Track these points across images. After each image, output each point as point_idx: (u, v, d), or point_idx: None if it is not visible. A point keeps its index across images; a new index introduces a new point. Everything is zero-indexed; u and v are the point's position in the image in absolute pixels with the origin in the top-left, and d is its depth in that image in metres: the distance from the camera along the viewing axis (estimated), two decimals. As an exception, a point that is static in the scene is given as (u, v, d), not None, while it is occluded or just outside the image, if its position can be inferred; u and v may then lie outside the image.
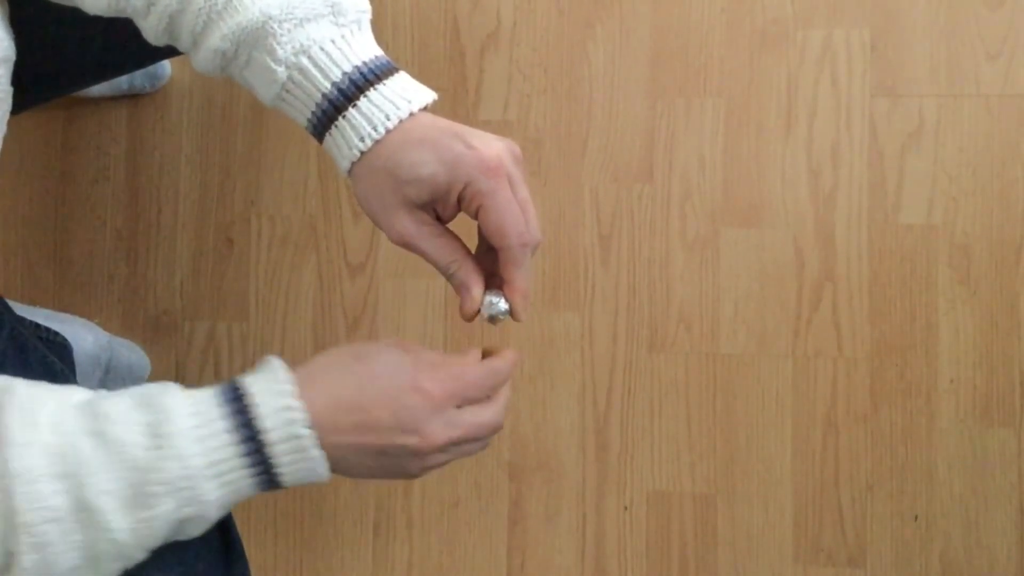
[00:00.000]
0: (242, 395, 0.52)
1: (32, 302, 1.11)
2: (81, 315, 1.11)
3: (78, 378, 0.79)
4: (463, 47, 1.09)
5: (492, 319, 0.60)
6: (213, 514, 0.52)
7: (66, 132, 1.14)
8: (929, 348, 1.01)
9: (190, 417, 0.50)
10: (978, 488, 1.00)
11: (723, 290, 1.04)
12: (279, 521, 1.09)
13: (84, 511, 0.47)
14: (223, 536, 0.61)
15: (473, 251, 0.61)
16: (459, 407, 0.55)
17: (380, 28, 1.08)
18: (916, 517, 1.01)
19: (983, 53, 1.02)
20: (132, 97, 1.13)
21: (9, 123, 0.64)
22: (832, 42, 1.04)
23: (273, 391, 0.52)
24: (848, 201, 1.03)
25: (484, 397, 0.57)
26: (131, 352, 1.09)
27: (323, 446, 0.52)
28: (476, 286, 0.59)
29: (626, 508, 1.04)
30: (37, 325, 0.92)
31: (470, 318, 0.60)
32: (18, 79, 0.62)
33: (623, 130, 1.07)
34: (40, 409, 0.49)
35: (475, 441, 0.57)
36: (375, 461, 0.54)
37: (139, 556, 0.50)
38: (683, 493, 1.04)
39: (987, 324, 1.01)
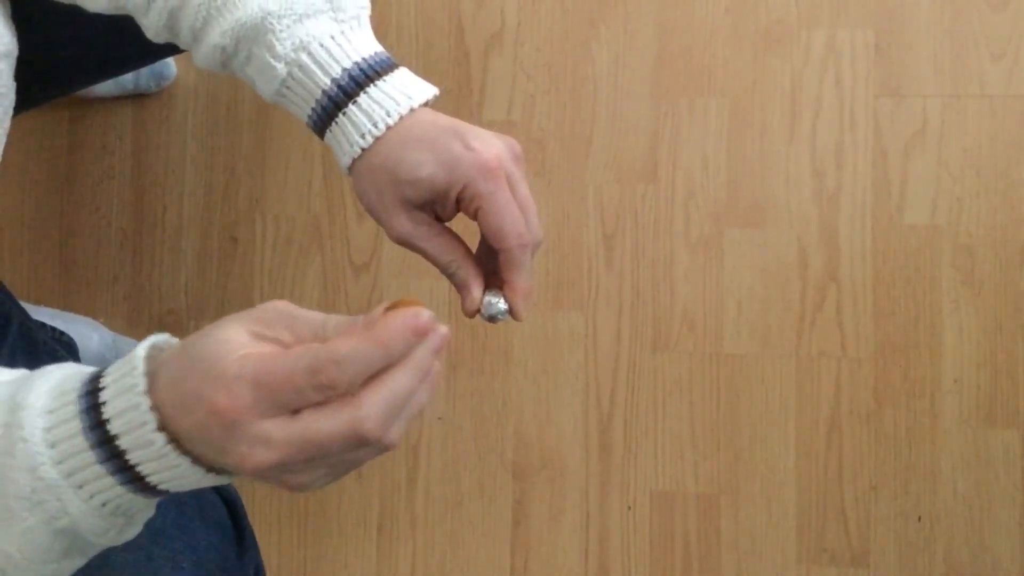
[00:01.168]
0: (98, 389, 0.42)
1: (38, 301, 1.12)
2: (86, 314, 1.11)
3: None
4: (467, 47, 1.09)
5: (492, 319, 0.59)
6: (94, 525, 0.43)
7: (71, 132, 1.15)
8: (933, 348, 1.01)
9: (46, 416, 0.42)
10: (982, 488, 1.00)
11: (727, 290, 1.04)
12: (283, 519, 1.09)
13: None
14: (235, 526, 0.62)
15: (474, 249, 0.61)
16: (292, 414, 0.39)
17: (384, 28, 1.08)
18: (920, 517, 1.01)
19: (987, 54, 1.02)
20: (137, 97, 1.13)
21: (14, 122, 0.64)
22: (836, 42, 1.04)
23: (124, 386, 0.42)
24: (852, 201, 1.03)
25: (320, 398, 0.39)
26: (136, 351, 1.09)
27: (181, 448, 0.41)
28: (476, 286, 0.58)
29: (629, 508, 1.04)
30: (43, 324, 0.93)
31: (471, 316, 0.59)
32: (21, 77, 0.62)
33: (627, 130, 1.07)
34: None
35: (328, 457, 0.40)
36: (238, 473, 0.42)
37: (49, 568, 0.44)
38: (687, 493, 1.04)
39: (991, 324, 1.01)
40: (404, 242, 0.59)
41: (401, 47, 1.09)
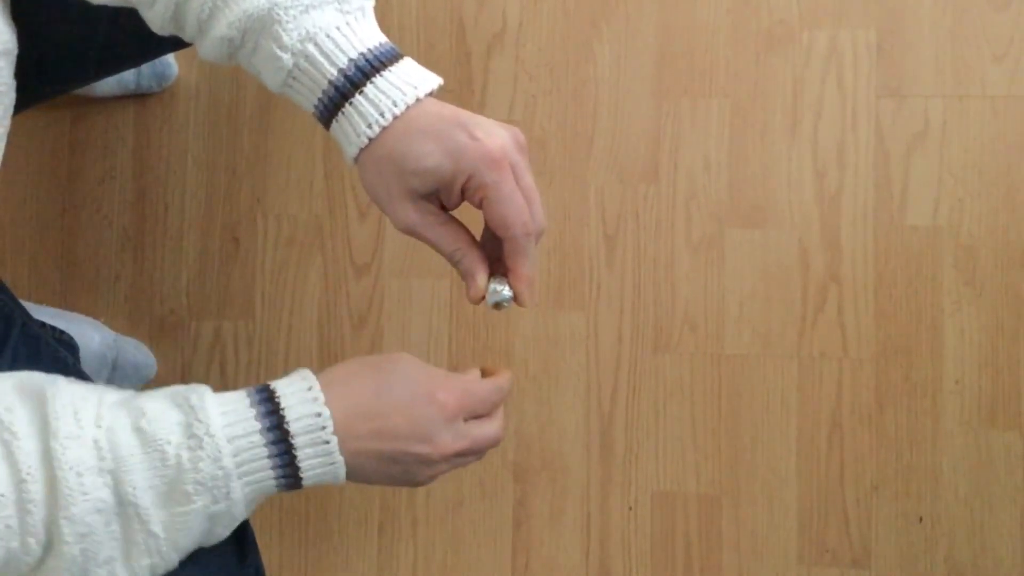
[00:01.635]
0: (275, 398, 0.54)
1: (39, 301, 1.12)
2: (88, 314, 1.11)
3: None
4: (469, 47, 1.09)
5: (496, 306, 0.60)
6: (240, 511, 0.54)
7: (73, 131, 1.15)
8: (934, 349, 1.01)
9: (222, 416, 0.53)
10: (983, 490, 1.00)
11: (728, 291, 1.04)
12: (284, 521, 1.09)
13: (124, 504, 0.50)
14: (236, 530, 0.62)
15: (479, 237, 0.62)
16: (467, 420, 0.59)
17: (386, 28, 1.08)
18: (921, 518, 1.01)
19: (989, 54, 1.02)
20: (139, 96, 1.13)
21: (16, 121, 0.64)
22: (838, 43, 1.04)
23: (303, 398, 0.54)
24: (853, 202, 1.03)
25: (488, 412, 0.61)
26: (137, 351, 1.09)
27: (342, 451, 0.55)
28: (481, 274, 0.60)
29: (631, 508, 1.04)
30: (44, 324, 0.92)
31: (476, 303, 0.61)
32: (21, 74, 0.62)
33: (628, 130, 1.07)
34: (83, 403, 0.51)
35: (477, 453, 0.61)
36: (388, 467, 0.57)
37: (171, 555, 0.52)
38: (688, 494, 1.04)
39: (993, 326, 1.00)
40: (410, 231, 0.59)
41: (402, 47, 1.08)
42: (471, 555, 1.07)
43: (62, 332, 0.97)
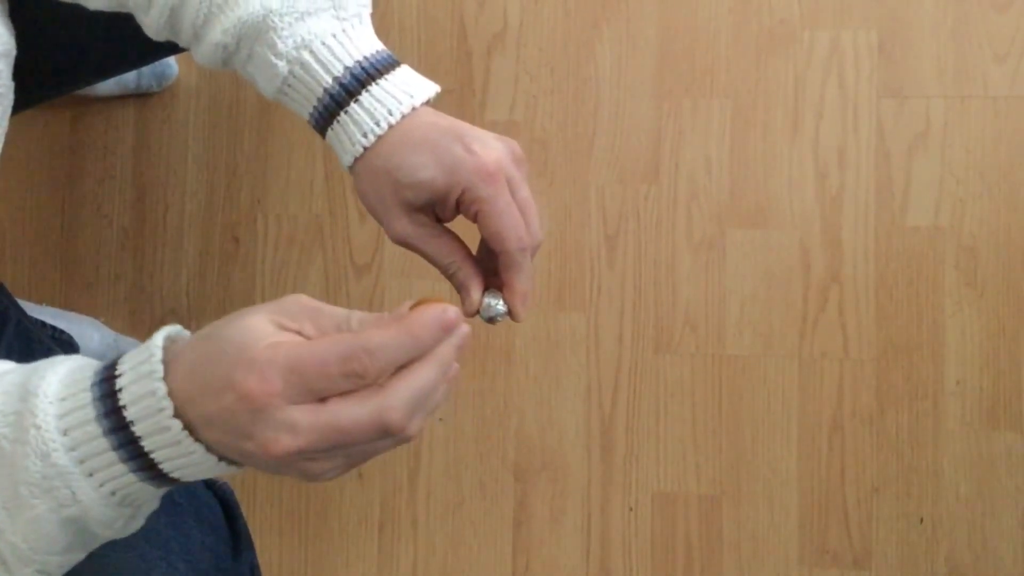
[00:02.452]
0: (114, 376, 0.43)
1: (39, 300, 1.11)
2: (87, 314, 1.11)
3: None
4: (470, 47, 1.09)
5: (491, 320, 0.59)
6: (104, 514, 0.44)
7: (73, 131, 1.15)
8: (935, 350, 1.01)
9: (59, 403, 0.43)
10: (984, 490, 1.00)
11: (729, 291, 1.04)
12: (284, 520, 1.09)
13: None
14: (230, 526, 0.62)
15: (475, 250, 0.61)
16: (319, 402, 0.40)
17: (387, 28, 1.08)
18: (922, 519, 1.00)
19: (990, 55, 1.02)
20: (139, 96, 1.13)
21: (15, 122, 0.64)
22: (839, 43, 1.04)
23: (141, 373, 0.42)
24: (855, 202, 1.03)
25: (349, 387, 0.40)
26: (137, 351, 1.08)
27: (195, 435, 0.42)
28: (475, 288, 0.58)
29: (631, 509, 1.04)
30: (43, 323, 0.93)
31: (470, 316, 0.59)
32: (20, 76, 0.62)
33: (629, 131, 1.06)
34: None
35: (350, 446, 0.41)
36: (247, 461, 0.43)
37: (51, 559, 0.44)
38: (688, 494, 1.04)
39: (994, 326, 1.00)
40: (404, 243, 0.59)
41: (403, 47, 1.09)
42: (471, 555, 1.07)
43: (62, 332, 0.97)
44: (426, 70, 0.62)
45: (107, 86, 1.10)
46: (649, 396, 1.05)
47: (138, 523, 0.46)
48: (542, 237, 0.58)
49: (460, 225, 0.61)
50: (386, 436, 0.41)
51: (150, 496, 0.45)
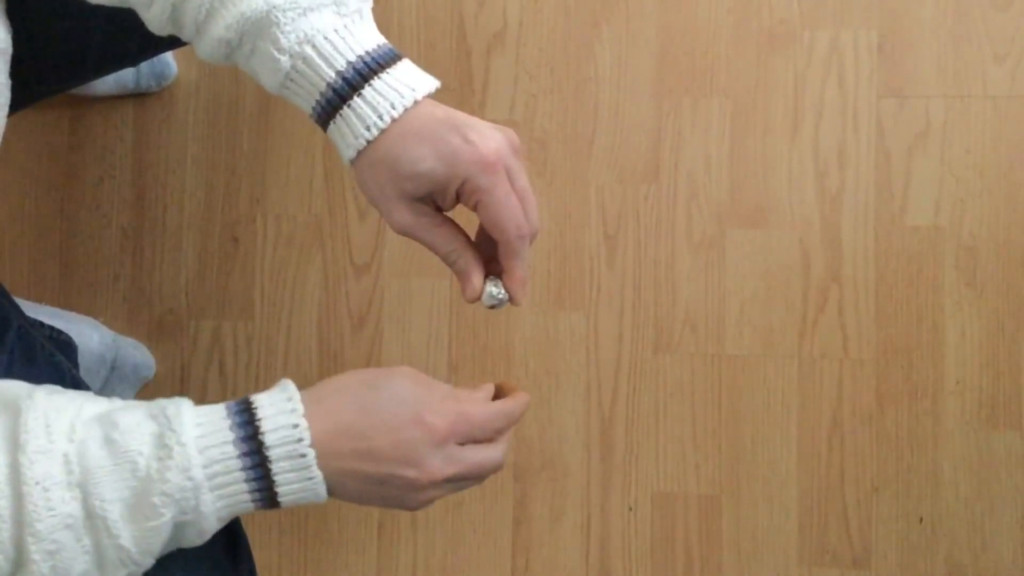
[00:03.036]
0: (251, 409, 0.52)
1: (37, 300, 1.11)
2: (86, 314, 1.11)
3: (83, 377, 0.80)
4: (469, 47, 1.09)
5: (492, 306, 0.61)
6: (210, 525, 0.52)
7: (72, 131, 1.14)
8: (935, 350, 1.01)
9: (196, 427, 0.51)
10: (984, 490, 1.00)
11: (729, 291, 1.04)
12: (284, 520, 1.09)
13: (93, 518, 0.48)
14: (228, 534, 0.61)
15: (473, 237, 0.62)
16: (462, 444, 0.56)
17: (386, 27, 1.08)
18: (921, 519, 1.00)
19: (990, 54, 1.02)
20: (138, 96, 1.13)
21: (14, 120, 0.64)
22: (839, 43, 1.04)
23: (282, 409, 0.52)
24: (854, 202, 1.03)
25: (488, 438, 0.57)
26: (136, 351, 1.09)
27: (322, 468, 0.53)
28: (476, 274, 0.60)
29: (631, 509, 1.04)
30: (42, 324, 0.92)
31: (472, 302, 0.61)
32: (19, 73, 0.62)
33: (629, 130, 1.06)
34: (57, 416, 0.50)
35: (474, 479, 0.58)
36: (373, 490, 0.55)
37: (146, 562, 0.51)
38: (688, 494, 1.04)
39: (993, 326, 1.00)
40: (405, 233, 0.59)
41: (403, 46, 1.08)
42: (471, 555, 1.07)
43: (60, 332, 0.96)
44: (425, 69, 0.62)
45: (106, 85, 1.10)
46: (649, 396, 1.05)
47: (207, 538, 0.53)
48: (539, 226, 0.61)
49: (458, 213, 0.61)
50: (493, 472, 0.58)
51: (242, 515, 0.54)
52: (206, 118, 1.13)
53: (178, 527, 0.51)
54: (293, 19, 0.55)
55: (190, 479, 0.49)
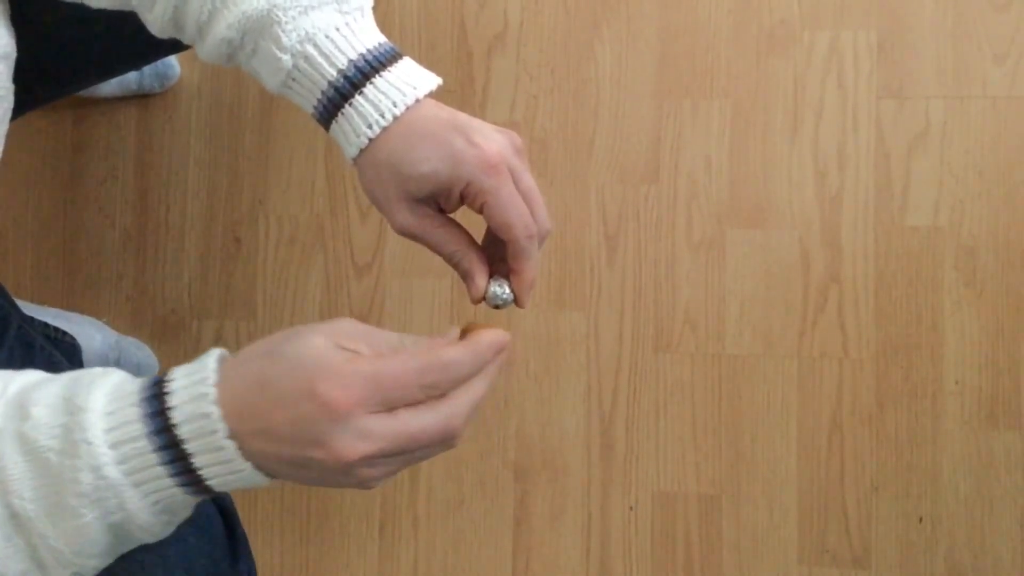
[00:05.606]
0: (162, 395, 0.45)
1: (41, 301, 1.12)
2: (90, 314, 1.11)
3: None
4: (470, 48, 1.09)
5: (496, 307, 0.60)
6: (146, 520, 0.46)
7: (75, 132, 1.15)
8: (935, 350, 1.01)
9: (106, 418, 0.45)
10: (983, 490, 1.00)
11: (729, 291, 1.04)
12: (285, 519, 1.09)
13: (17, 517, 0.45)
14: (228, 533, 0.62)
15: (480, 238, 0.61)
16: (389, 411, 0.44)
17: (387, 29, 1.08)
18: (921, 519, 1.01)
19: (990, 55, 1.02)
20: (141, 97, 1.13)
21: (18, 123, 0.64)
22: (839, 44, 1.04)
23: (193, 394, 0.45)
24: (854, 202, 1.03)
25: (422, 398, 0.45)
26: (139, 351, 1.09)
27: (244, 454, 0.45)
28: (480, 275, 0.59)
29: (631, 508, 1.05)
30: (46, 324, 0.93)
31: (476, 303, 0.60)
32: (22, 78, 0.62)
33: (629, 131, 1.07)
34: None
35: (414, 451, 0.46)
36: (302, 473, 0.46)
37: (87, 563, 0.47)
38: (688, 494, 1.04)
39: (993, 326, 1.01)
40: (407, 234, 0.59)
41: (404, 47, 1.08)
42: (472, 554, 1.07)
43: (64, 332, 0.97)
44: (427, 70, 0.62)
45: (109, 87, 1.11)
46: (649, 395, 1.05)
47: (173, 527, 0.48)
48: (550, 225, 0.59)
49: (463, 214, 0.61)
50: (445, 442, 0.46)
51: (189, 503, 0.47)
52: (209, 119, 1.13)
53: (115, 527, 0.46)
54: (294, 17, 0.56)
55: (103, 478, 0.44)
